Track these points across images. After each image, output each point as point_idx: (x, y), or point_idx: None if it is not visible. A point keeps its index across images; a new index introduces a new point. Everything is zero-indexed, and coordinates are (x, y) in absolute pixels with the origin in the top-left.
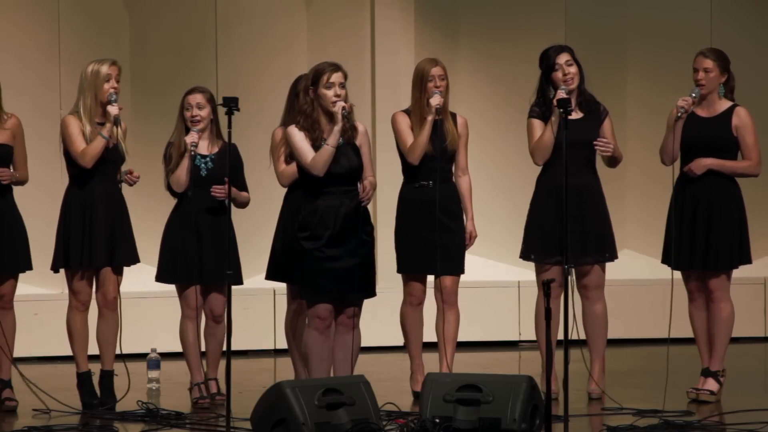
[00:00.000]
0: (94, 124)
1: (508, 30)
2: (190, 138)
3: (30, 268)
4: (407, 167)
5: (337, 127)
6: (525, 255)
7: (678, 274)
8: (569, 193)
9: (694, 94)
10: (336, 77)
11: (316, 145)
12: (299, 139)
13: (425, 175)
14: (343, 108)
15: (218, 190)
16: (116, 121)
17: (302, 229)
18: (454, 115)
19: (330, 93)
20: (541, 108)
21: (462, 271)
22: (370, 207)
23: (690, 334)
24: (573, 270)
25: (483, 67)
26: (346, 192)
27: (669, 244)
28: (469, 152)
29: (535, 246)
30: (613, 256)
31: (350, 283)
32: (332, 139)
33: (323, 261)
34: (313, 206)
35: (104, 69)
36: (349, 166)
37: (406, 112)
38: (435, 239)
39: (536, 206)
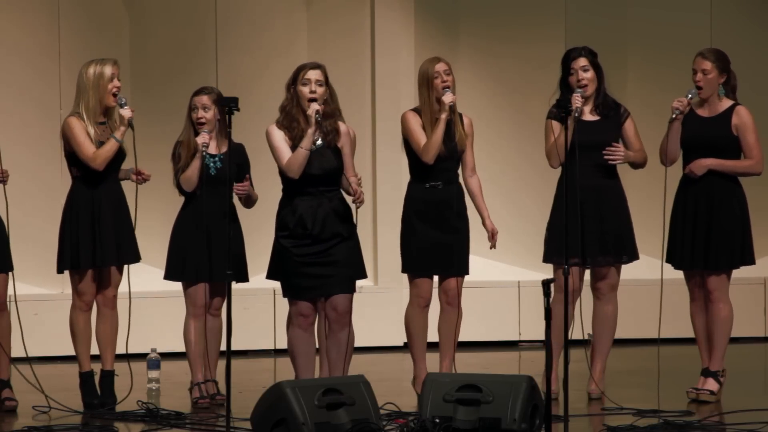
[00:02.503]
0: (96, 125)
1: (509, 30)
2: (202, 139)
3: (10, 269)
4: (418, 167)
5: (310, 131)
6: (547, 258)
7: (678, 274)
8: (589, 194)
9: (690, 95)
10: (312, 74)
11: (296, 144)
12: (278, 138)
13: (435, 175)
14: (317, 112)
15: (240, 188)
16: (130, 124)
17: (281, 229)
18: (460, 115)
19: (305, 90)
20: (559, 110)
21: (467, 272)
22: (369, 206)
23: (690, 334)
24: (587, 270)
25: (483, 66)
26: (325, 192)
27: (672, 244)
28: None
29: (556, 248)
30: (632, 258)
31: (333, 278)
32: (306, 142)
33: (302, 258)
34: (291, 206)
35: (108, 70)
36: (327, 167)
37: (416, 111)
38: (443, 240)
39: (556, 208)
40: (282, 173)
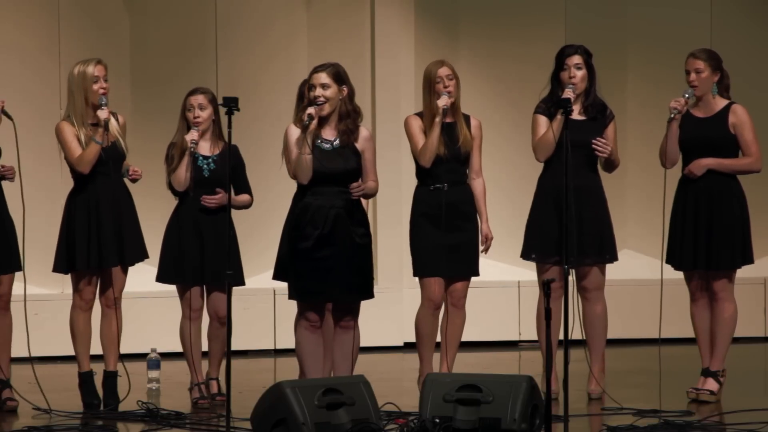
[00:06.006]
0: (87, 126)
1: (509, 30)
2: (190, 136)
3: (19, 268)
4: (421, 170)
5: (303, 135)
6: (525, 254)
7: (677, 274)
8: (569, 194)
9: (687, 95)
10: (315, 78)
11: (315, 144)
12: (292, 136)
13: (439, 177)
14: (309, 115)
15: (209, 200)
16: (106, 126)
17: (293, 228)
18: (467, 117)
19: (310, 95)
20: (548, 104)
21: (476, 274)
22: (369, 208)
23: (690, 334)
24: (572, 270)
25: (483, 67)
26: (339, 193)
27: (672, 245)
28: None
29: (536, 245)
30: (612, 258)
31: (341, 284)
32: (304, 148)
33: (312, 261)
34: (304, 204)
35: (90, 70)
36: (343, 167)
37: (420, 114)
38: (450, 242)
39: (536, 206)
40: None
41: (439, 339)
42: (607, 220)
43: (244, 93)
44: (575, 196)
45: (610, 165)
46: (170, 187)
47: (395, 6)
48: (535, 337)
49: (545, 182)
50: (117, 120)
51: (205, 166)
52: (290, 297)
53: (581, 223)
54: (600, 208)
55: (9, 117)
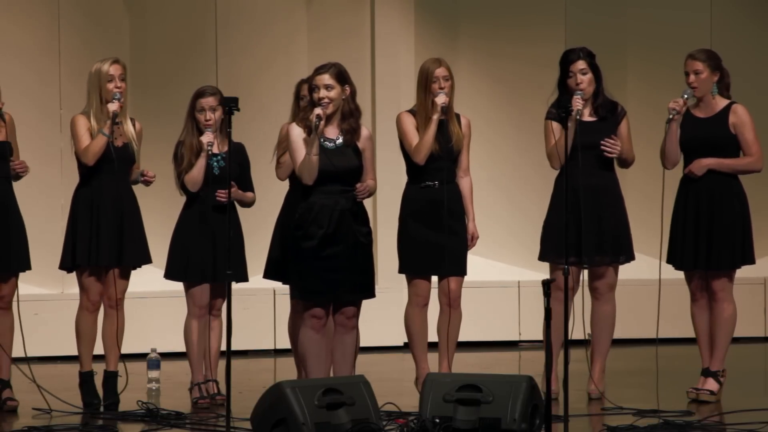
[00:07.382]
0: (102, 123)
1: (509, 30)
2: (207, 138)
3: (29, 267)
4: (412, 167)
5: (313, 135)
6: (542, 256)
7: (678, 274)
8: (586, 194)
9: (686, 96)
10: (318, 80)
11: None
12: (296, 135)
13: (431, 175)
14: (318, 116)
15: (222, 195)
16: (114, 118)
17: (297, 228)
18: (458, 116)
19: (315, 96)
20: (558, 110)
21: (465, 273)
22: (369, 207)
23: (690, 334)
24: (584, 270)
25: (483, 66)
26: (343, 192)
27: (673, 245)
28: (469, 152)
29: (552, 246)
30: (629, 258)
31: (345, 284)
32: (312, 149)
33: (317, 260)
34: (308, 204)
35: (105, 68)
36: (346, 166)
37: (411, 112)
38: (440, 240)
39: (553, 207)
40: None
41: (435, 339)
42: (624, 219)
43: (243, 93)
44: (592, 195)
45: (624, 162)
46: (182, 187)
47: (395, 6)
48: (534, 337)
49: (561, 184)
50: (134, 125)
51: (215, 163)
52: (293, 296)
53: (599, 222)
54: (617, 208)
55: (2, 119)
